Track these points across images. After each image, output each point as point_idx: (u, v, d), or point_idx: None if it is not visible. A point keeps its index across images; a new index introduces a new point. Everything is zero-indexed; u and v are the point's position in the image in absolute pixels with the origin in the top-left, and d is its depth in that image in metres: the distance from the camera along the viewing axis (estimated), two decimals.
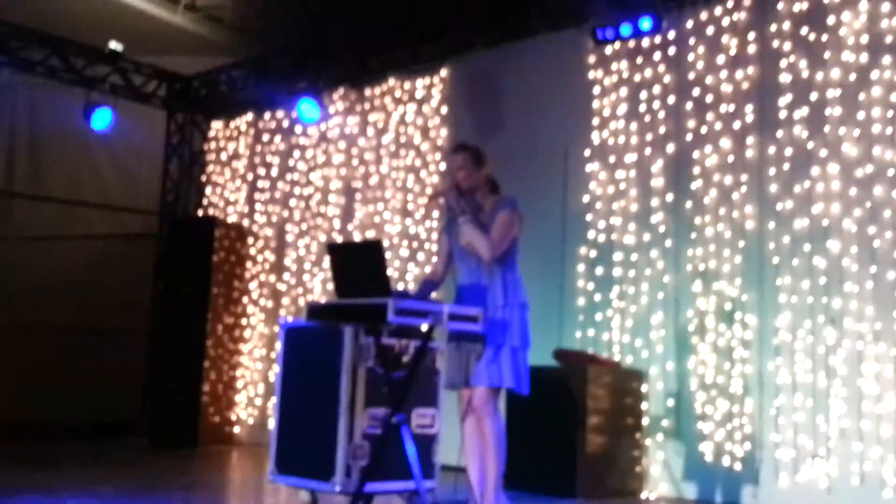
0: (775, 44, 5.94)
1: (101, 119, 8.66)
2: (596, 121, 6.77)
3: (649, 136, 6.49)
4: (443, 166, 7.44)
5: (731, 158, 6.07)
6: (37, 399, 9.48)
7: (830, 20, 5.71)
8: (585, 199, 6.74)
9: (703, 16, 6.32)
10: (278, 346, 5.52)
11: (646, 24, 6.30)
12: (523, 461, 5.87)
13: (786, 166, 5.81)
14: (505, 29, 7.37)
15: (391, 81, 8.20)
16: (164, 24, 8.94)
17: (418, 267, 7.67)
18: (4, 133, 10.76)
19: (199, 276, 8.85)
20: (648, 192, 6.44)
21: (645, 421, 6.13)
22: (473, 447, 4.26)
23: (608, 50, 6.72)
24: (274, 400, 5.11)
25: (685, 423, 6.01)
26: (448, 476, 4.99)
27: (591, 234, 6.67)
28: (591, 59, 6.83)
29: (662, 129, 6.43)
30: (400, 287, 7.30)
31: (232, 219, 9.44)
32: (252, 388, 9.00)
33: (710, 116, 6.20)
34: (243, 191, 9.46)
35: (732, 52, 6.14)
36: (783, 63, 5.88)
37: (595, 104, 6.79)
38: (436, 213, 7.54)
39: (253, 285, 9.18)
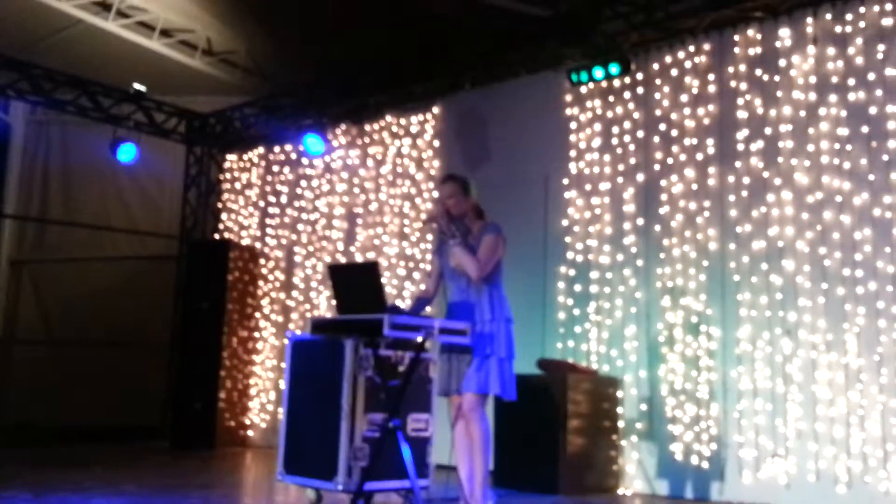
0: (733, 84, 5.96)
1: (127, 153, 8.65)
2: (573, 153, 6.77)
3: (621, 167, 6.49)
4: (435, 194, 7.43)
5: (694, 186, 6.07)
6: (67, 406, 9.43)
7: (782, 63, 5.74)
8: (564, 223, 6.73)
9: (668, 59, 6.34)
10: None
11: (614, 69, 6.31)
12: (510, 461, 5.85)
13: (744, 193, 5.81)
14: (490, 71, 7.40)
15: (388, 118, 8.20)
16: (183, 67, 8.97)
17: (414, 285, 7.64)
18: (39, 166, 10.77)
19: (215, 294, 8.80)
20: (621, 216, 6.43)
21: (620, 424, 6.09)
22: (463, 448, 4.24)
23: (583, 90, 6.73)
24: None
25: (657, 426, 5.97)
26: (441, 475, 4.94)
27: (569, 255, 6.65)
28: (568, 97, 6.84)
29: (633, 160, 6.43)
30: (398, 303, 7.26)
31: (245, 242, 9.40)
32: (264, 395, 8.93)
33: (675, 149, 6.20)
34: (255, 216, 9.43)
35: (694, 91, 6.16)
36: (740, 101, 5.90)
37: (572, 138, 6.79)
38: (429, 237, 7.52)
39: (265, 302, 9.13)
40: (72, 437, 8.57)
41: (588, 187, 6.65)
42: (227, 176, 9.85)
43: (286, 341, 4.97)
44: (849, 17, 5.49)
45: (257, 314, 9.13)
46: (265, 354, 9.01)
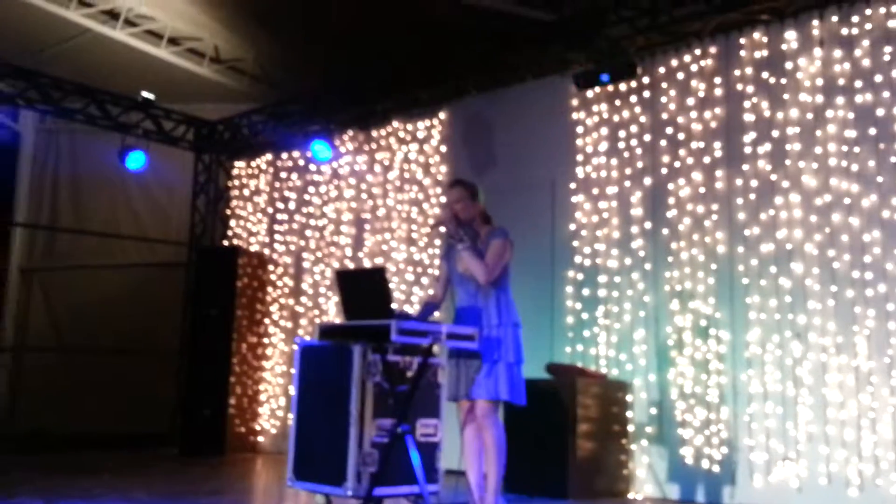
0: (739, 87, 5.95)
1: (136, 161, 8.69)
2: (580, 157, 6.76)
3: (628, 171, 6.48)
4: (443, 199, 7.43)
5: (702, 190, 6.06)
6: (78, 413, 9.46)
7: (788, 65, 5.72)
8: (572, 227, 6.72)
9: (674, 62, 6.33)
10: None
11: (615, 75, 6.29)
12: (520, 466, 5.81)
13: (752, 196, 5.80)
14: (496, 76, 7.40)
15: (395, 124, 8.22)
16: (191, 74, 9.02)
17: (422, 290, 7.64)
18: (49, 174, 10.84)
19: (224, 300, 8.82)
20: (629, 220, 6.42)
21: (630, 428, 6.07)
22: (472, 453, 4.25)
23: (589, 94, 6.73)
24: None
25: (667, 430, 5.95)
26: (450, 480, 4.94)
27: (577, 259, 6.64)
28: (574, 101, 6.84)
29: (640, 164, 6.42)
30: (406, 308, 7.27)
31: (254, 248, 9.43)
32: (274, 401, 8.94)
33: (682, 152, 6.19)
34: (264, 223, 9.45)
35: (701, 94, 6.15)
36: (747, 104, 5.89)
37: (579, 142, 6.79)
38: (437, 242, 7.52)
39: (274, 308, 9.14)
40: (82, 443, 8.59)
41: (595, 191, 6.64)
42: (236, 183, 9.87)
43: (295, 347, 4.98)
44: (855, 19, 5.47)
45: (266, 320, 9.14)
46: (275, 360, 9.02)
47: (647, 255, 6.27)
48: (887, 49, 5.32)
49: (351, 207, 8.52)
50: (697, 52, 6.20)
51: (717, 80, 6.07)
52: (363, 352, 4.44)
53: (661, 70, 6.39)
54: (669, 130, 6.28)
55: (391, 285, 7.09)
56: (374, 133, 8.41)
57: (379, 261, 8.04)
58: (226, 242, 9.75)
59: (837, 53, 5.52)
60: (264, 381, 9.03)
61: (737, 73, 5.97)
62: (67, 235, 10.63)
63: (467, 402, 4.26)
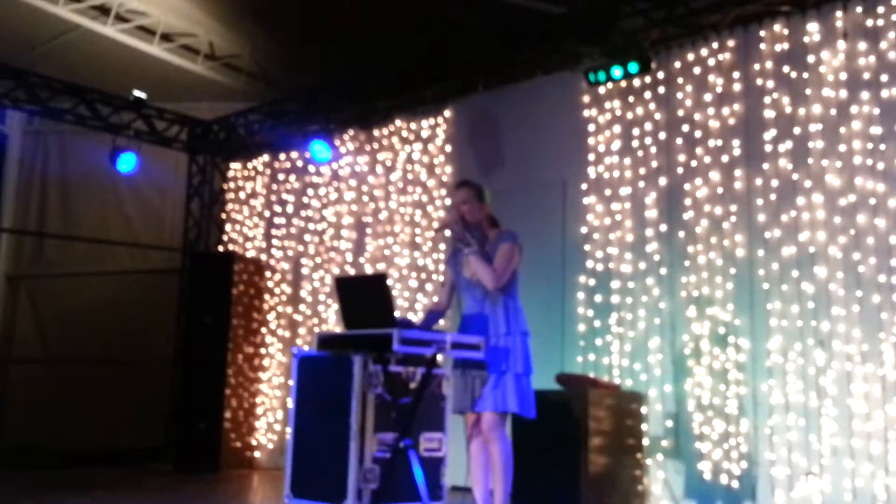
0: (759, 82, 5.94)
1: (127, 162, 8.72)
2: (592, 156, 6.76)
3: (642, 170, 6.47)
4: (448, 201, 7.43)
5: (720, 190, 6.04)
6: (67, 427, 9.48)
7: (811, 59, 5.71)
8: (583, 230, 6.71)
9: (690, 56, 6.33)
10: None
11: (633, 68, 6.28)
12: (529, 481, 5.81)
13: (773, 197, 5.78)
14: (503, 72, 7.41)
15: (398, 122, 8.23)
16: (185, 72, 9.04)
17: (426, 297, 7.64)
18: (36, 177, 10.89)
19: (219, 308, 8.83)
20: (643, 222, 6.41)
21: (645, 441, 6.06)
22: (478, 468, 4.25)
23: (601, 90, 6.73)
24: None
25: (684, 443, 5.93)
26: (455, 496, 4.93)
27: (589, 264, 6.64)
28: (586, 98, 6.83)
29: (655, 164, 6.41)
30: (409, 317, 7.26)
31: (250, 254, 9.44)
32: (271, 414, 8.94)
33: (699, 151, 6.19)
34: (261, 227, 9.47)
35: (719, 90, 6.14)
36: (767, 100, 5.88)
37: (590, 141, 6.78)
38: (442, 246, 7.52)
39: (271, 316, 9.16)
40: (72, 459, 8.61)
41: (608, 192, 6.63)
42: (231, 185, 9.90)
43: (293, 357, 4.98)
44: (881, 9, 5.46)
45: (263, 329, 9.15)
46: (272, 371, 9.03)
47: (662, 260, 6.26)
48: None
49: (351, 210, 8.53)
50: (715, 45, 6.20)
51: (736, 74, 6.06)
52: (364, 362, 4.43)
53: (677, 64, 6.39)
54: (686, 128, 6.27)
55: (393, 292, 7.11)
56: (376, 132, 8.42)
57: (381, 266, 8.04)
58: (221, 248, 9.77)
59: (862, 46, 5.50)
60: (261, 394, 9.04)
61: (756, 67, 5.96)
62: (56, 241, 10.66)
63: (473, 415, 4.25)
